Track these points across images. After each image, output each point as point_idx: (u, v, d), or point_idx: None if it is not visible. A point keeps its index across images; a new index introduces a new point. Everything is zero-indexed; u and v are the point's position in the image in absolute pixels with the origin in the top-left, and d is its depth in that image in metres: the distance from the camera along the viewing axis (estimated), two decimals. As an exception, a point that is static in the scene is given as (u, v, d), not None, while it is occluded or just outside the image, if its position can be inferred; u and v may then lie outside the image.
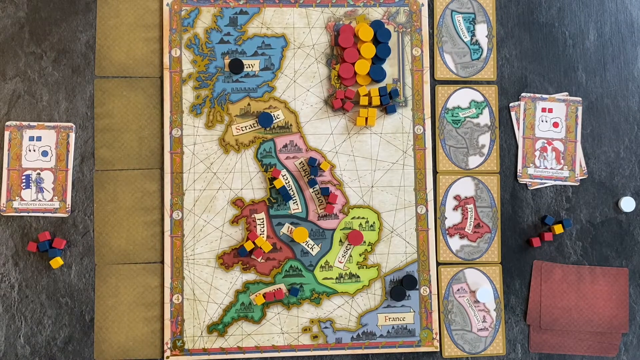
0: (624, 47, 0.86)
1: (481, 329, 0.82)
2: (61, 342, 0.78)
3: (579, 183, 0.84)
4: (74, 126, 0.80)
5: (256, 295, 0.79)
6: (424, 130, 0.83)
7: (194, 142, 0.81)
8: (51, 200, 0.79)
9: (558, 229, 0.82)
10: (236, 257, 0.80)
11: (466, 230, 0.83)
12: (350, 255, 0.81)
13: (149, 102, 0.81)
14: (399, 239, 0.82)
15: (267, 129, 0.81)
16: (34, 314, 0.78)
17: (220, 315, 0.79)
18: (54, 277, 0.79)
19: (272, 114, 0.81)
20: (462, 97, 0.84)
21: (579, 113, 0.85)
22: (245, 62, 0.82)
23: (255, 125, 0.81)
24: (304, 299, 0.80)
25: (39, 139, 0.79)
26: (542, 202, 0.84)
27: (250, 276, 0.80)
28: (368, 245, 0.81)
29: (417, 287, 0.81)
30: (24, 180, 0.79)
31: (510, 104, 0.85)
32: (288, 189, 0.81)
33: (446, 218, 0.83)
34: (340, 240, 0.81)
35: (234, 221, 0.80)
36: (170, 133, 0.80)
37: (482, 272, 0.82)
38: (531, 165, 0.84)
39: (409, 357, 0.81)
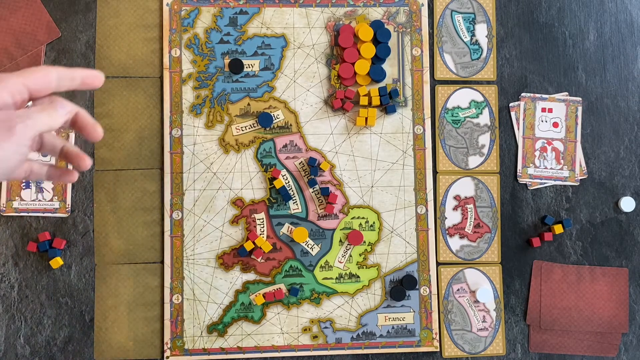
0: (624, 47, 0.86)
1: (481, 329, 0.82)
2: (61, 342, 0.78)
3: (579, 183, 0.84)
4: (74, 126, 0.80)
5: (256, 295, 0.79)
6: (424, 130, 0.83)
7: (194, 142, 0.81)
8: (51, 200, 0.79)
9: (558, 229, 0.82)
10: (236, 257, 0.80)
11: (466, 230, 0.83)
12: (350, 255, 0.81)
13: (149, 102, 0.81)
14: (399, 239, 0.82)
15: (267, 129, 0.81)
16: (34, 314, 0.78)
17: (220, 315, 0.79)
18: (53, 277, 0.79)
19: (272, 114, 0.81)
20: (462, 97, 0.84)
21: (579, 113, 0.85)
22: (245, 62, 0.82)
23: (255, 125, 0.81)
24: (303, 299, 0.80)
25: (39, 139, 0.79)
26: (542, 202, 0.84)
27: (250, 276, 0.80)
28: (368, 245, 0.81)
29: (417, 287, 0.81)
30: (23, 180, 0.79)
31: (510, 104, 0.85)
32: (288, 189, 0.81)
33: (446, 218, 0.83)
34: (340, 240, 0.81)
35: (234, 221, 0.80)
36: (170, 133, 0.80)
37: (482, 272, 0.82)
38: (531, 165, 0.84)
39: (409, 357, 0.81)
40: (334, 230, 0.81)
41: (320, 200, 0.81)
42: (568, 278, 0.83)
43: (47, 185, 0.79)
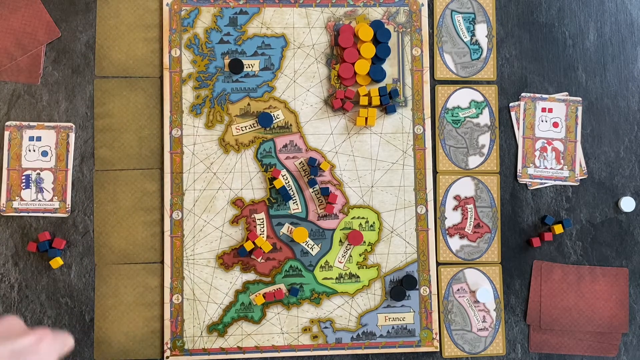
0: (624, 47, 0.86)
1: (481, 329, 0.82)
2: (61, 342, 0.78)
3: (579, 183, 0.84)
4: (74, 126, 0.80)
5: (256, 295, 0.79)
6: (424, 130, 0.83)
7: (194, 142, 0.81)
8: (51, 200, 0.79)
9: (558, 229, 0.82)
10: (236, 257, 0.80)
11: (466, 230, 0.83)
12: (350, 255, 0.81)
13: (149, 102, 0.81)
14: (399, 239, 0.82)
15: (267, 129, 0.81)
16: (34, 314, 0.78)
17: (220, 315, 0.79)
18: (53, 277, 0.79)
19: (272, 114, 0.81)
20: (462, 97, 0.84)
21: (579, 113, 0.85)
22: (245, 62, 0.82)
23: (255, 125, 0.81)
24: (303, 299, 0.80)
25: (38, 139, 0.79)
26: (542, 202, 0.84)
27: (250, 276, 0.80)
28: (368, 245, 0.81)
29: (417, 287, 0.81)
30: (23, 180, 0.79)
31: (510, 104, 0.85)
32: (288, 189, 0.81)
33: (446, 218, 0.83)
34: (340, 240, 0.81)
35: (234, 221, 0.80)
36: (170, 133, 0.80)
37: (482, 272, 0.82)
38: (531, 165, 0.84)
39: (409, 357, 0.81)
40: (334, 230, 0.81)
41: (320, 200, 0.81)
42: (568, 278, 0.83)
43: (47, 185, 0.79)
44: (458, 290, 0.82)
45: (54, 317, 0.78)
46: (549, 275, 0.83)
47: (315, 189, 0.81)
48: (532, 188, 0.84)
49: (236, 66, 0.81)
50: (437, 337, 0.81)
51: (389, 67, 0.83)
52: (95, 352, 0.78)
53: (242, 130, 0.81)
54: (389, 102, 0.82)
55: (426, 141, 0.83)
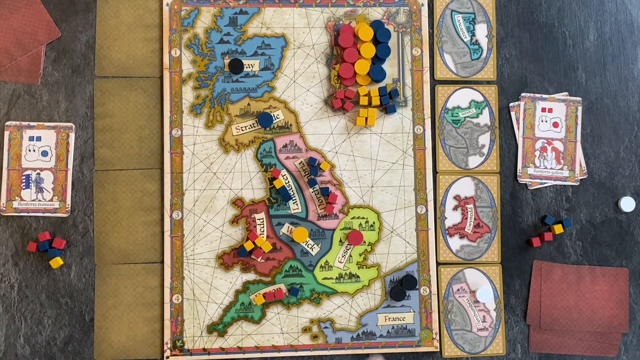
0: (624, 47, 0.86)
1: (481, 329, 0.82)
2: (61, 342, 0.78)
3: (579, 183, 0.84)
4: (74, 126, 0.80)
5: (256, 295, 0.79)
6: (424, 130, 0.83)
7: (194, 142, 0.81)
8: (51, 200, 0.79)
9: (558, 229, 0.82)
10: (236, 257, 0.80)
11: (466, 230, 0.83)
12: (350, 255, 0.81)
13: (149, 102, 0.81)
14: (399, 239, 0.82)
15: (267, 129, 0.81)
16: (34, 314, 0.78)
17: (220, 315, 0.79)
18: (53, 277, 0.79)
19: (272, 114, 0.81)
20: (462, 97, 0.84)
21: (579, 113, 0.85)
22: (245, 62, 0.82)
23: (255, 125, 0.81)
24: (303, 299, 0.80)
25: (38, 139, 0.80)
26: (542, 202, 0.84)
27: (250, 276, 0.80)
28: (368, 245, 0.81)
29: (417, 287, 0.81)
30: (23, 180, 0.79)
31: (510, 104, 0.85)
32: (288, 189, 0.81)
33: (446, 218, 0.83)
34: (340, 240, 0.81)
35: (234, 221, 0.80)
36: (170, 133, 0.80)
37: (482, 272, 0.82)
38: (531, 165, 0.84)
39: (409, 357, 0.81)
40: (334, 230, 0.81)
41: (320, 200, 0.81)
42: (568, 278, 0.83)
43: (47, 185, 0.79)
44: (458, 290, 0.82)
45: (54, 317, 0.78)
46: (549, 275, 0.83)
47: (315, 189, 0.81)
48: (532, 188, 0.84)
49: (236, 66, 0.81)
50: (437, 337, 0.81)
51: (389, 67, 0.83)
52: (95, 352, 0.78)
53: (242, 130, 0.81)
54: (389, 102, 0.82)
55: (426, 141, 0.83)
